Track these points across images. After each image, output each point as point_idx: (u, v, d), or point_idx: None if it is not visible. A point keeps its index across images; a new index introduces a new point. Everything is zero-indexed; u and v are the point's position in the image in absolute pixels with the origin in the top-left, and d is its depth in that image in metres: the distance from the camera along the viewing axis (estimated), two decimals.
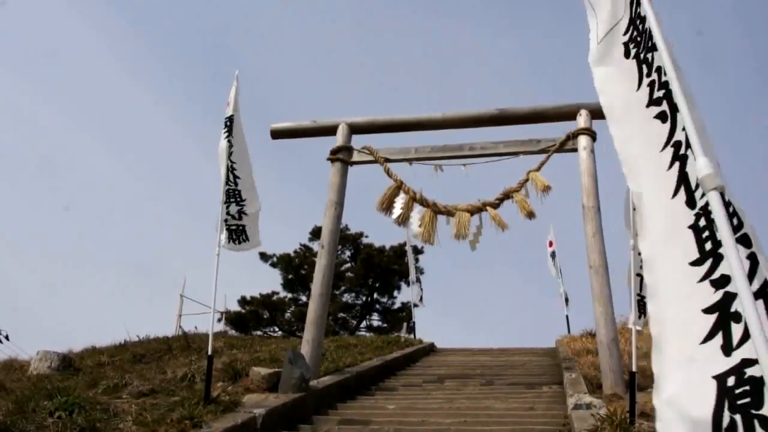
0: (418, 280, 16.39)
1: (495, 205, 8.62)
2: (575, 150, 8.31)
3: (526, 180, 8.57)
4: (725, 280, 2.02)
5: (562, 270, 16.60)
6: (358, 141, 9.18)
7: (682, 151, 2.37)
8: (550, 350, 12.12)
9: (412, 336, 14.94)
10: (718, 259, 2.07)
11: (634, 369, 5.14)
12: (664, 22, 2.56)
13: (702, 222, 2.18)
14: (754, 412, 1.77)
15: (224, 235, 6.66)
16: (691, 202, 2.27)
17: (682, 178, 2.34)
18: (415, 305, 16.22)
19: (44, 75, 49.18)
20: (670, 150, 2.45)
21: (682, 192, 2.32)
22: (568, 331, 14.34)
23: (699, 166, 1.95)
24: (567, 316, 16.07)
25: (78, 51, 49.78)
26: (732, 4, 50.49)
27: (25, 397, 5.66)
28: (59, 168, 47.99)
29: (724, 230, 1.81)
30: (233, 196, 6.83)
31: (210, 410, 5.35)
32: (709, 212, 2.11)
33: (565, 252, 17.06)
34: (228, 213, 6.75)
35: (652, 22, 2.55)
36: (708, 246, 2.13)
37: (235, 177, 6.81)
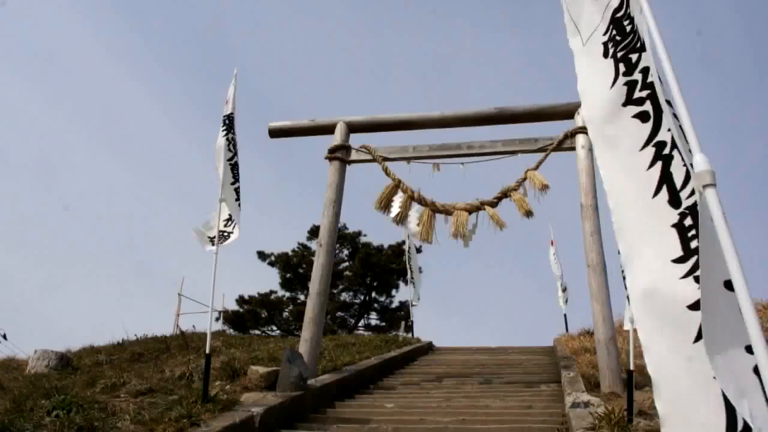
0: (412, 279, 16.40)
1: (493, 204, 8.63)
2: (573, 149, 8.32)
3: (524, 179, 8.58)
4: None
5: (562, 269, 16.67)
6: (357, 140, 9.19)
7: (666, 151, 2.37)
8: (548, 349, 12.13)
9: (410, 335, 14.93)
10: None
11: (632, 367, 5.13)
12: (663, 23, 2.56)
13: (688, 221, 2.20)
14: None
15: (218, 234, 6.65)
16: (674, 202, 2.28)
17: (666, 178, 2.34)
18: (413, 304, 16.21)
19: (43, 74, 49.11)
20: (650, 149, 2.44)
21: (664, 191, 2.32)
22: (566, 330, 14.38)
23: (695, 163, 1.95)
24: (565, 315, 16.10)
25: (77, 50, 49.70)
26: (732, 4, 50.59)
27: (23, 395, 5.66)
28: (59, 168, 47.97)
29: (721, 227, 1.81)
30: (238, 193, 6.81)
31: (208, 409, 5.34)
32: (696, 212, 2.11)
33: (563, 251, 17.10)
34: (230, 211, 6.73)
35: (651, 25, 2.54)
36: (694, 244, 2.15)
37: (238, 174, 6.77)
